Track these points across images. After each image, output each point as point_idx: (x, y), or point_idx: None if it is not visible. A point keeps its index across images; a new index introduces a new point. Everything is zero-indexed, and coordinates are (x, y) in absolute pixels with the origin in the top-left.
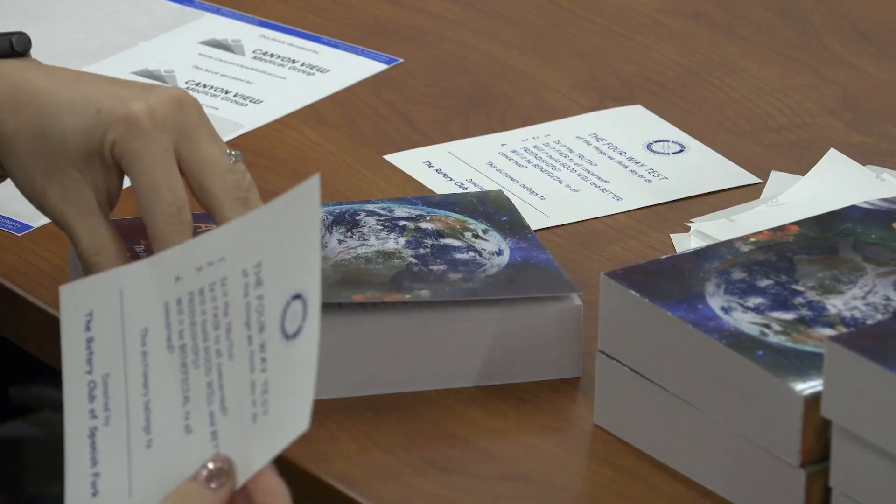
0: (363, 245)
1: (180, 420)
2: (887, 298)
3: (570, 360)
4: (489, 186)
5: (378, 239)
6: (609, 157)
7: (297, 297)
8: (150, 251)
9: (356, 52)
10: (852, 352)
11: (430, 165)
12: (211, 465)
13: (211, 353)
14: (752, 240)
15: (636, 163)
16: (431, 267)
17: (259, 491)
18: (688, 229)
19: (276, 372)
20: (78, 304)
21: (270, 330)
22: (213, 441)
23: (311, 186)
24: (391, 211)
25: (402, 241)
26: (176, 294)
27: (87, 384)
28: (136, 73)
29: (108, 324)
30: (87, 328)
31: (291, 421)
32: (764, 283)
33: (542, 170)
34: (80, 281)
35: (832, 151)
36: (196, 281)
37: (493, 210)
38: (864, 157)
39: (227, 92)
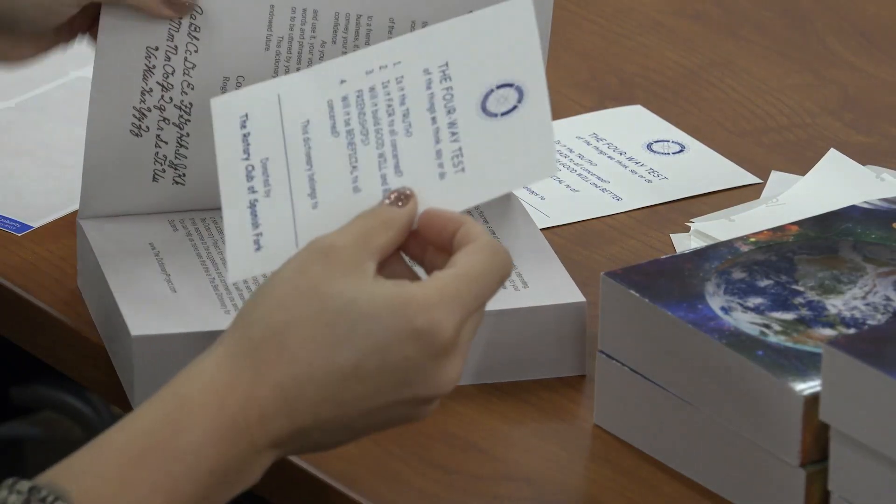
0: None
1: (348, 184)
2: (887, 298)
3: (576, 358)
4: None
5: None
6: (609, 157)
7: (508, 85)
8: None
9: None
10: (850, 356)
11: None
12: (392, 192)
13: (384, 133)
14: (752, 240)
15: (636, 163)
16: None
17: (454, 235)
18: (688, 229)
19: (473, 142)
20: (231, 110)
21: (463, 110)
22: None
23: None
24: None
25: None
26: (341, 93)
27: (245, 168)
28: None
29: (265, 121)
30: (243, 126)
31: (530, 165)
32: (764, 283)
33: None
34: (232, 93)
35: (832, 151)
36: (365, 81)
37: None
38: (864, 157)
39: None
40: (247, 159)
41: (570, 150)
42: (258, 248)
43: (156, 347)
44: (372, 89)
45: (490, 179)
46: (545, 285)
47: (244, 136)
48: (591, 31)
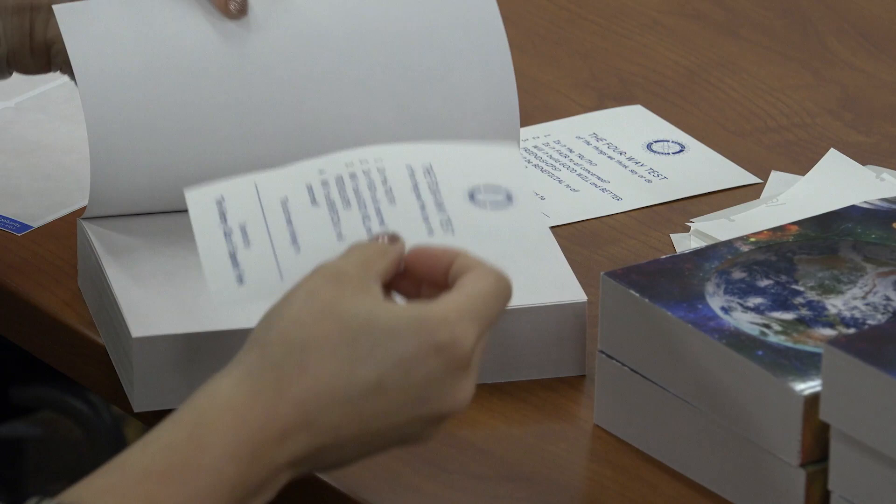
0: None
1: (332, 234)
2: (887, 298)
3: (577, 358)
4: None
5: None
6: (609, 156)
7: (495, 187)
8: None
9: None
10: (850, 355)
11: None
12: (378, 234)
13: (367, 202)
14: (752, 240)
15: (636, 163)
16: None
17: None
18: (688, 229)
19: (462, 216)
20: (207, 197)
21: (449, 194)
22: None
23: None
24: None
25: None
26: (320, 178)
27: (223, 231)
28: None
29: (242, 198)
30: (220, 205)
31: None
32: (764, 282)
33: (542, 170)
34: (207, 184)
35: (832, 151)
36: (345, 169)
37: None
38: (863, 156)
39: None
40: (224, 223)
41: (570, 150)
42: (241, 283)
43: (156, 348)
44: (353, 175)
45: (481, 241)
46: (547, 283)
47: (221, 213)
48: (592, 30)
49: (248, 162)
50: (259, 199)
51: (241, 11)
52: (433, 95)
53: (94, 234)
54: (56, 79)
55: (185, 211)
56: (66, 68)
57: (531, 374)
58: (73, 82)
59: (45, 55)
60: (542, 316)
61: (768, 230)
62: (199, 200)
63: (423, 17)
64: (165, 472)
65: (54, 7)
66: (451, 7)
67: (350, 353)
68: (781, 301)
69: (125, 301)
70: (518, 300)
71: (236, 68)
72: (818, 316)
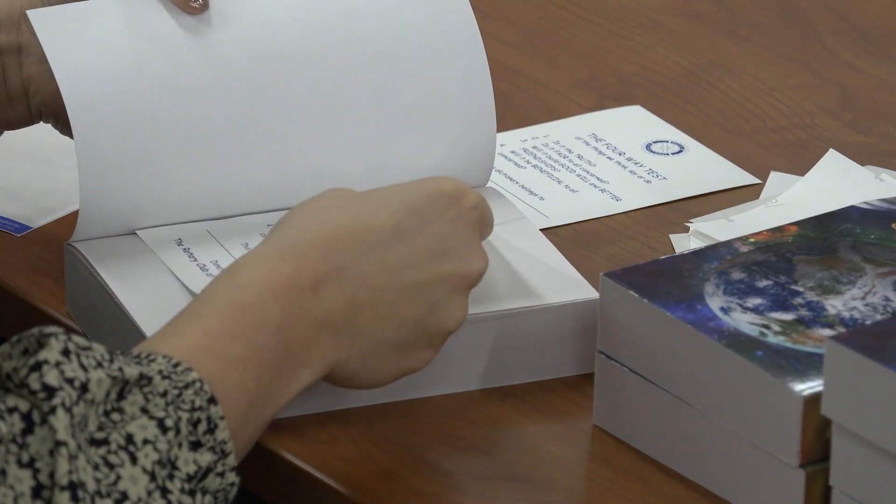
0: None
1: None
2: (886, 299)
3: (585, 356)
4: (488, 187)
5: None
6: (608, 157)
7: None
8: None
9: None
10: (852, 350)
11: None
12: None
13: None
14: (752, 240)
15: (635, 163)
16: None
17: None
18: (687, 230)
19: None
20: (166, 238)
21: None
22: None
23: None
24: None
25: None
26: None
27: (193, 263)
28: None
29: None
30: (179, 244)
31: None
32: (763, 283)
33: (541, 170)
34: (161, 228)
35: (831, 152)
36: None
37: None
38: (863, 157)
39: None
40: (188, 255)
41: (570, 151)
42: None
43: None
44: None
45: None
46: (555, 285)
47: (185, 250)
48: (591, 31)
49: (232, 178)
50: (218, 241)
51: (204, 6)
52: (409, 94)
53: (89, 253)
54: None
55: (167, 225)
56: (48, 114)
57: (545, 374)
58: (56, 129)
59: (24, 100)
60: (555, 315)
61: (767, 230)
62: (157, 239)
63: (397, 17)
64: (215, 309)
65: (28, 12)
66: (425, 9)
67: (365, 207)
68: (781, 301)
69: (139, 316)
70: (530, 301)
71: (216, 80)
72: (817, 316)
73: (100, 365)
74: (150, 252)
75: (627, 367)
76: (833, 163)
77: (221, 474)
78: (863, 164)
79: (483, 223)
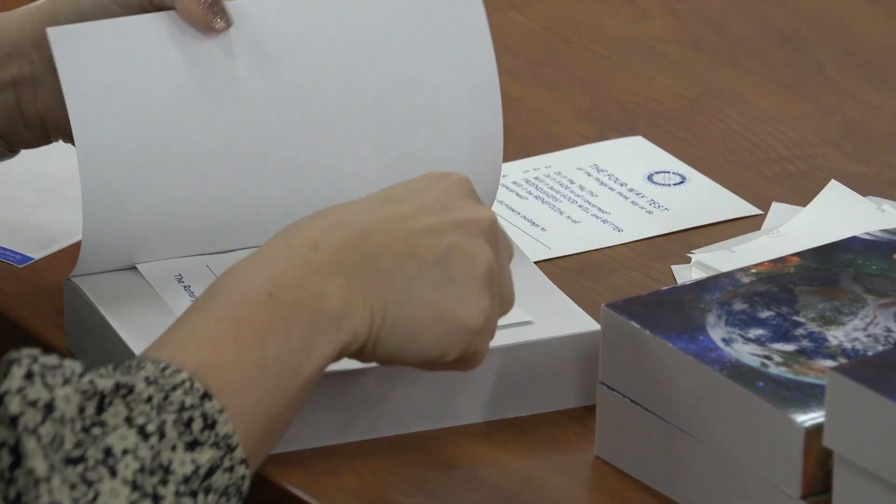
0: None
1: None
2: (888, 330)
3: (587, 387)
4: None
5: None
6: (610, 188)
7: None
8: None
9: None
10: (854, 382)
11: None
12: None
13: None
14: (753, 271)
15: (637, 194)
16: None
17: None
18: (689, 260)
19: None
20: (165, 272)
21: None
22: None
23: None
24: None
25: None
26: None
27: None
28: None
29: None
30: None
31: None
32: (765, 314)
33: (542, 201)
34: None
35: (833, 182)
36: None
37: None
38: (865, 187)
39: None
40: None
41: (571, 182)
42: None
43: None
44: None
45: None
46: (555, 317)
47: (184, 286)
48: (592, 60)
49: (236, 212)
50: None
51: (227, 25)
52: (416, 110)
53: (89, 288)
54: None
55: (166, 259)
56: (67, 136)
57: (547, 406)
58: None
59: (41, 126)
60: (557, 347)
61: (769, 261)
62: (158, 275)
63: (408, 28)
64: (197, 305)
65: (48, 30)
66: (436, 15)
67: (360, 202)
68: (782, 332)
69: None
70: (531, 334)
71: (222, 115)
72: (819, 347)
73: (67, 381)
74: (151, 288)
75: (629, 398)
76: (835, 193)
77: (230, 469)
78: (864, 194)
79: (476, 195)
